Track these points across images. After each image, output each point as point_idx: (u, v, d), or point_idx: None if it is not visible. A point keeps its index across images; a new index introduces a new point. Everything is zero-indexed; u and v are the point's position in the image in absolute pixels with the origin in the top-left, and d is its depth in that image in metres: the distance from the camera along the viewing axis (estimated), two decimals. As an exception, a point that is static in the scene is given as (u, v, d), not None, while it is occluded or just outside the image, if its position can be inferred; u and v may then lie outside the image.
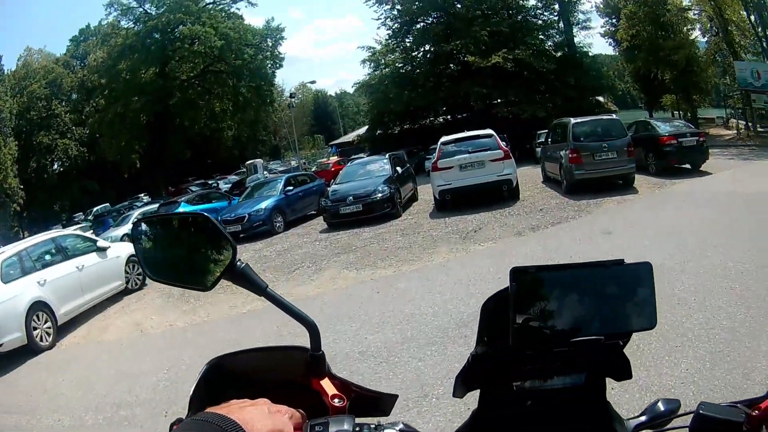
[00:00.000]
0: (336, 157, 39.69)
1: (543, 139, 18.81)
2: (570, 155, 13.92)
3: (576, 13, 35.67)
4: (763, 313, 4.92)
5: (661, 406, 1.03)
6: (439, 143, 14.82)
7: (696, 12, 35.23)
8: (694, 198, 12.34)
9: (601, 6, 43.45)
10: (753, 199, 11.27)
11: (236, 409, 0.70)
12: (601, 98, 35.27)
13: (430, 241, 10.96)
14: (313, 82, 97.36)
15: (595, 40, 72.67)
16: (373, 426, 0.89)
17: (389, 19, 34.31)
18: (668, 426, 1.01)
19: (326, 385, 1.00)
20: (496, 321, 0.96)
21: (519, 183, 14.83)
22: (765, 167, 18.06)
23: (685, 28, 36.73)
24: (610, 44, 45.75)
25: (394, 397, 1.08)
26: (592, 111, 25.74)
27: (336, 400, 0.97)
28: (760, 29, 31.81)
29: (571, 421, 1.05)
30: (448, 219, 12.99)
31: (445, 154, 14.22)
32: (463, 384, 1.07)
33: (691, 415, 0.91)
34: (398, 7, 33.76)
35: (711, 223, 9.36)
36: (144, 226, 1.15)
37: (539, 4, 34.77)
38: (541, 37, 34.03)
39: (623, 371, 1.06)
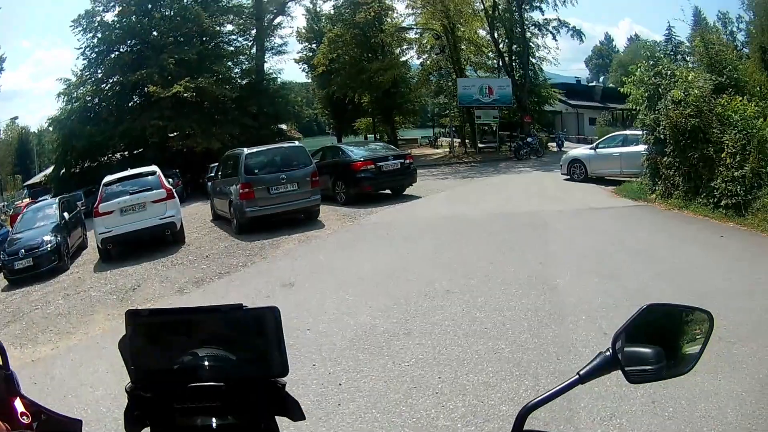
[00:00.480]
0: (29, 199, 33.65)
1: (213, 173, 16.47)
2: (240, 190, 12.04)
3: (273, 38, 34.85)
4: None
5: None
6: (102, 184, 12.75)
7: (418, 31, 36.02)
8: (395, 229, 11.50)
9: (303, 31, 43.60)
10: (466, 224, 11.21)
11: None
12: (284, 126, 35.07)
13: (89, 305, 9.20)
14: (15, 118, 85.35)
15: (291, 66, 74.12)
16: None
17: (88, 48, 30.42)
18: None
19: (17, 403, 1.07)
20: (137, 362, 1.00)
21: (187, 224, 13.49)
22: (484, 185, 18.34)
23: (398, 49, 37.41)
24: (303, 70, 46.45)
25: (79, 421, 1.13)
26: (272, 140, 24.82)
27: (24, 418, 1.04)
28: (503, 46, 33.30)
29: None
30: (110, 273, 11.04)
31: (108, 196, 12.25)
32: (133, 420, 1.06)
33: None
34: (98, 35, 29.93)
35: (416, 261, 8.68)
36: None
37: (236, 29, 33.17)
38: (229, 64, 32.25)
39: (295, 412, 1.09)
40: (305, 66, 44.47)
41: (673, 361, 1.16)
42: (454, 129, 35.97)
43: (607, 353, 1.14)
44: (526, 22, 33.37)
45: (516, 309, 5.90)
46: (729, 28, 60.33)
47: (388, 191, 15.29)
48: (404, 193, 15.52)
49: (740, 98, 10.91)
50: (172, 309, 1.06)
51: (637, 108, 13.04)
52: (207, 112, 28.70)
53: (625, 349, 1.13)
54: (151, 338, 0.99)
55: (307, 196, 12.24)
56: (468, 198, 15.31)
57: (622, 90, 13.46)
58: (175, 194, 12.52)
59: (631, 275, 6.92)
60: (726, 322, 4.84)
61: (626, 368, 1.12)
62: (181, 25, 29.67)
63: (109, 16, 30.06)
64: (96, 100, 30.14)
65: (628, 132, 16.65)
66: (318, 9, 42.83)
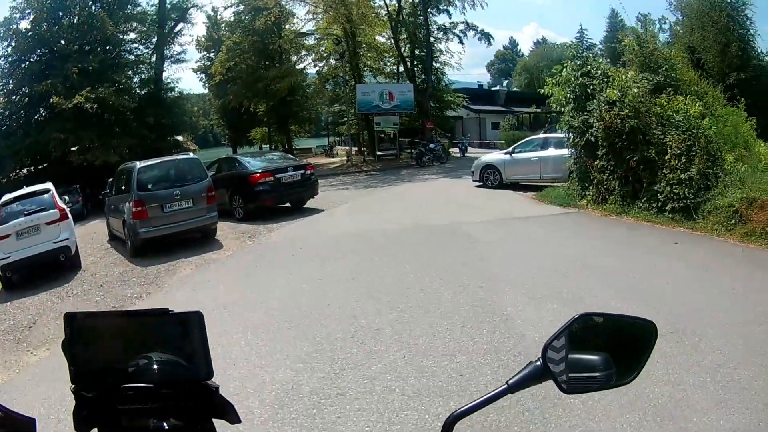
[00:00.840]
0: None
1: (108, 189, 15.34)
2: (133, 209, 11.30)
3: (173, 46, 33.29)
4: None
5: None
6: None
7: (317, 37, 35.66)
8: (300, 248, 10.65)
9: (202, 40, 42.72)
10: (381, 240, 10.50)
11: None
12: (180, 137, 33.84)
13: (-15, 347, 7.99)
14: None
15: (189, 76, 71.84)
16: None
17: (2, 58, 28.45)
18: None
19: None
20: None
21: (84, 244, 12.83)
22: (390, 195, 17.96)
23: (296, 56, 37.24)
24: (201, 80, 45.51)
25: (32, 420, 1.09)
26: (169, 152, 24.29)
27: None
28: (405, 50, 33.44)
29: None
30: (11, 304, 9.88)
31: (7, 217, 11.16)
32: (81, 421, 1.09)
33: None
34: (12, 44, 28.00)
35: (331, 288, 7.63)
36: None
37: (138, 37, 31.86)
38: (129, 73, 30.87)
39: (231, 415, 1.12)
40: (203, 75, 43.78)
41: (621, 369, 1.12)
42: (351, 137, 35.88)
43: (538, 362, 1.12)
44: (432, 26, 34.05)
45: (471, 352, 4.88)
46: (648, 30, 62.95)
47: (288, 204, 15.01)
48: (305, 206, 15.19)
49: (681, 98, 10.72)
50: (106, 312, 1.10)
51: (560, 109, 12.78)
52: (107, 124, 27.28)
53: (570, 356, 1.10)
54: (87, 340, 1.05)
55: (203, 214, 11.69)
56: (375, 209, 14.74)
57: (543, 91, 13.14)
58: (69, 214, 11.61)
59: (593, 297, 6.12)
60: (719, 344, 4.60)
61: (570, 374, 1.10)
62: (87, 32, 28.34)
63: (24, 24, 28.22)
64: (6, 113, 28.45)
65: (549, 135, 16.34)
66: (219, 16, 42.37)
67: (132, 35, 31.55)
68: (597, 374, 1.11)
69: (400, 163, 29.47)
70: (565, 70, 12.42)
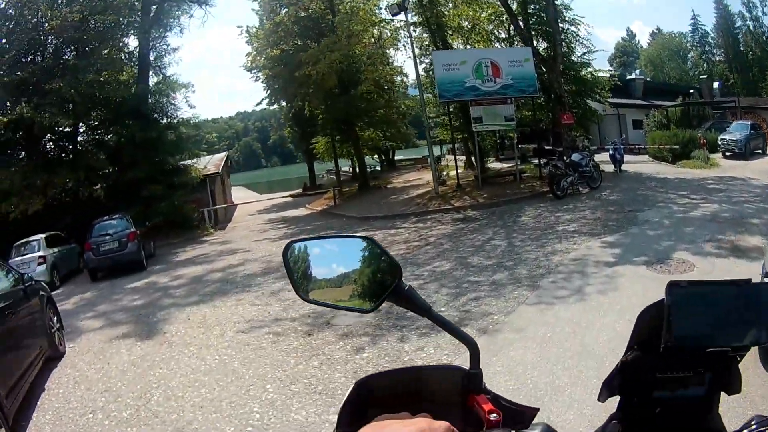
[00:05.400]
0: None
1: None
2: None
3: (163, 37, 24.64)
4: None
5: (755, 423, 1.02)
6: None
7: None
8: None
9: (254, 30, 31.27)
10: None
11: (397, 428, 0.74)
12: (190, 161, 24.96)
13: None
14: None
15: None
16: None
17: None
18: None
19: (482, 401, 1.03)
20: (647, 331, 1.05)
21: None
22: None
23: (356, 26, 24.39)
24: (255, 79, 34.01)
25: (536, 410, 1.09)
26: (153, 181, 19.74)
27: (492, 415, 0.99)
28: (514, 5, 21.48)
29: (690, 429, 1.10)
30: None
31: None
32: (607, 389, 1.11)
33: None
34: None
35: None
36: (298, 248, 1.16)
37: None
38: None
39: (735, 385, 1.11)
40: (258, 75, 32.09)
41: None
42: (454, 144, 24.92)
43: None
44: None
45: None
46: (753, 13, 51.04)
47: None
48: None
49: None
50: (705, 281, 1.04)
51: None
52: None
53: None
54: (686, 307, 1.02)
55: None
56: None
57: None
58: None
59: None
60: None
61: None
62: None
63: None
64: None
65: None
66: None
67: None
68: None
69: (521, 192, 16.40)
70: None
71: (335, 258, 1.14)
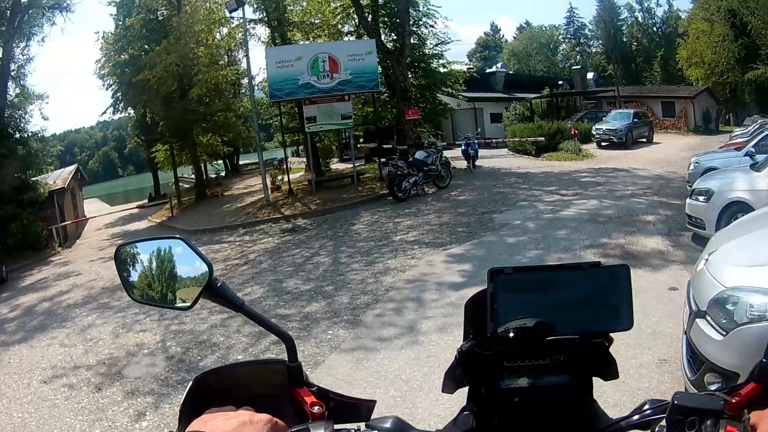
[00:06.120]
0: None
1: None
2: None
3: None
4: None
5: (648, 406, 0.99)
6: None
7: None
8: None
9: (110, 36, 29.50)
10: None
11: (220, 422, 0.73)
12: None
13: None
14: None
15: None
16: (354, 429, 0.92)
17: None
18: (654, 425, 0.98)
19: (305, 394, 1.02)
20: (478, 319, 1.00)
21: None
22: None
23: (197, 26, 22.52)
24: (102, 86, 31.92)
25: (372, 402, 1.08)
26: None
27: (315, 408, 0.98)
28: None
29: (556, 418, 1.06)
30: None
31: None
32: (451, 380, 1.08)
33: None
34: None
35: None
36: (126, 251, 1.16)
37: None
38: None
39: (610, 371, 1.08)
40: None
41: None
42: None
43: None
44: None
45: None
46: (645, 5, 54.43)
47: None
48: None
49: None
50: (532, 267, 1.01)
51: None
52: None
53: None
54: (513, 295, 0.98)
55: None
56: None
57: None
58: None
59: None
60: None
61: None
62: None
63: None
64: None
65: None
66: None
67: None
68: None
69: (360, 195, 15.27)
70: None
71: (156, 259, 1.13)
